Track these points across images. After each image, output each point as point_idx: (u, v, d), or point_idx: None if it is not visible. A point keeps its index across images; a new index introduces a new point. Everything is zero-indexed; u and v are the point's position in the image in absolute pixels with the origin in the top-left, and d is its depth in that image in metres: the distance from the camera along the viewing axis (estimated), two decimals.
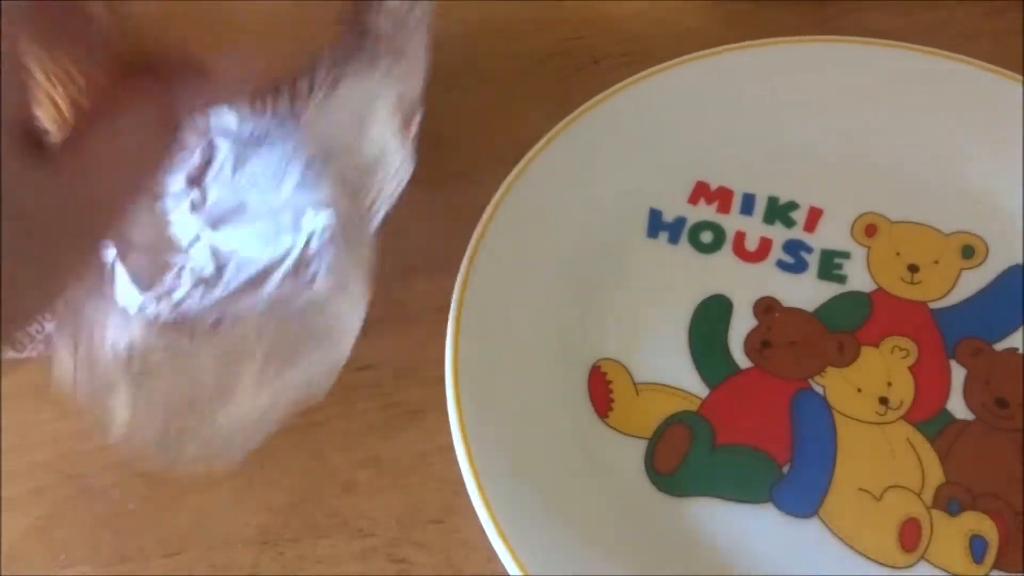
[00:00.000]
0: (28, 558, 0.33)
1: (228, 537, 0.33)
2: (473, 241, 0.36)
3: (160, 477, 0.35)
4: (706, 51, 0.40)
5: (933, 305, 0.35)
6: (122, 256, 0.28)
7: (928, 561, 0.30)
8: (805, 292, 0.36)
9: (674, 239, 0.37)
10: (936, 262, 0.36)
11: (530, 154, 0.37)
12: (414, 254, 0.38)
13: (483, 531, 0.30)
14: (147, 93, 0.22)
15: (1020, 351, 0.34)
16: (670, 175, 0.38)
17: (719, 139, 0.39)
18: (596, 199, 0.38)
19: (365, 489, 0.34)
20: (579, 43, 0.44)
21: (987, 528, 0.31)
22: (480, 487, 0.30)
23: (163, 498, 0.34)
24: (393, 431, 0.35)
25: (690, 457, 0.33)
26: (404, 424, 0.35)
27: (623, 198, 0.38)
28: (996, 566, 0.30)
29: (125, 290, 0.28)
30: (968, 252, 0.36)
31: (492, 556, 0.30)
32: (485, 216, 0.36)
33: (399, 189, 0.31)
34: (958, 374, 0.34)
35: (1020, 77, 0.38)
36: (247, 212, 0.29)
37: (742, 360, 0.35)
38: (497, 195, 0.37)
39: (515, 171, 0.37)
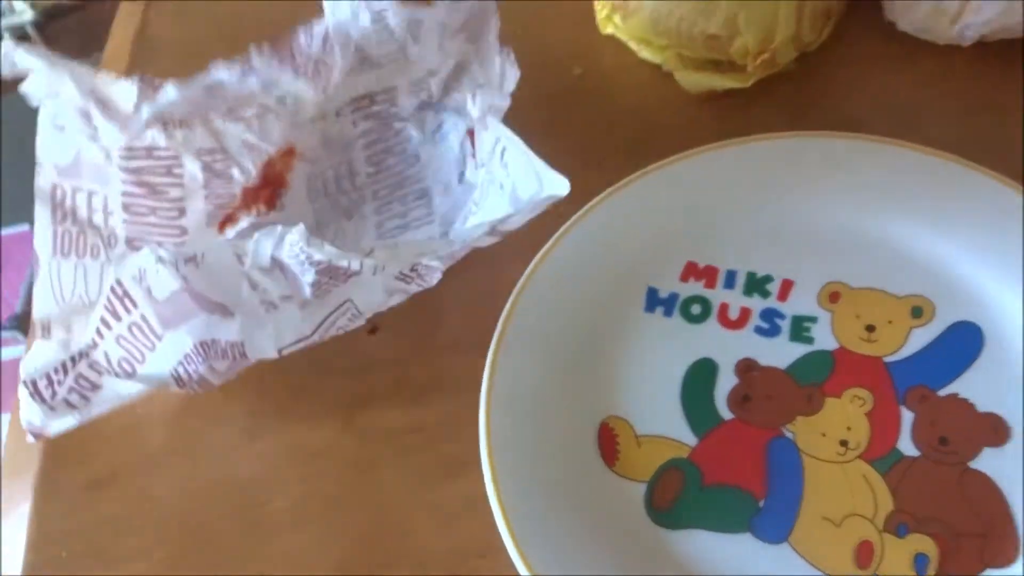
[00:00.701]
0: None
1: (314, 569, 0.41)
2: (500, 322, 0.43)
3: (258, 521, 0.43)
4: (693, 150, 0.47)
5: (887, 359, 0.42)
6: None
7: None
8: (779, 353, 0.42)
9: (668, 312, 0.44)
10: (890, 322, 0.43)
11: (547, 247, 0.45)
12: (452, 333, 0.46)
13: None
14: None
15: (960, 396, 0.40)
16: (664, 257, 0.45)
17: (706, 225, 0.46)
18: (602, 281, 0.45)
19: (422, 529, 0.41)
20: (584, 142, 0.51)
21: (929, 547, 0.37)
22: (510, 527, 0.38)
23: (262, 537, 0.42)
24: (442, 481, 0.42)
25: (682, 496, 0.40)
26: (451, 475, 0.42)
27: (625, 279, 0.45)
28: None
29: None
30: (917, 312, 0.43)
31: None
32: (510, 300, 0.44)
33: None
34: (907, 418, 0.40)
35: (967, 161, 0.44)
36: None
37: (725, 412, 0.41)
38: (520, 282, 0.44)
39: (535, 261, 0.45)
